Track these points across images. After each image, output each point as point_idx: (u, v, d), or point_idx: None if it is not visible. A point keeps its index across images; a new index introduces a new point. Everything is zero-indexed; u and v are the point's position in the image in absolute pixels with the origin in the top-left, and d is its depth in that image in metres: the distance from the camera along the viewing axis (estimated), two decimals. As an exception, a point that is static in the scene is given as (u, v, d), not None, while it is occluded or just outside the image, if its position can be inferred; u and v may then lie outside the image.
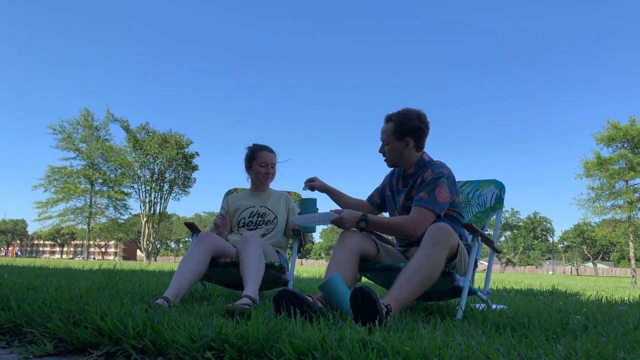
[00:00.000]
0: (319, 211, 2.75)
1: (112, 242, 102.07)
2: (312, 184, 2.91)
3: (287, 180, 3.58)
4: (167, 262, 41.09)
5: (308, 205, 2.79)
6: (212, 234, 2.68)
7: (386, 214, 2.89)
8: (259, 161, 3.20)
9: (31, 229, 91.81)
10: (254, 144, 3.30)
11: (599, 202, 20.95)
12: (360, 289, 1.76)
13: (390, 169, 2.84)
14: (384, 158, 2.67)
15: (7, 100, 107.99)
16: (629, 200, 20.03)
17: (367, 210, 2.84)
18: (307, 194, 2.97)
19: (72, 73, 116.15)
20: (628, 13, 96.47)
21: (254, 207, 3.22)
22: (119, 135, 46.39)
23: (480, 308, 2.68)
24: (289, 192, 3.61)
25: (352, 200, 2.94)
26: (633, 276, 20.48)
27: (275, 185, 3.40)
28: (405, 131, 2.56)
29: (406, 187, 2.64)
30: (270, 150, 3.25)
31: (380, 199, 2.87)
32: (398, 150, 2.59)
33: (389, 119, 2.63)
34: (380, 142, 2.67)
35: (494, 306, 2.92)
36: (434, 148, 2.72)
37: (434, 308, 2.78)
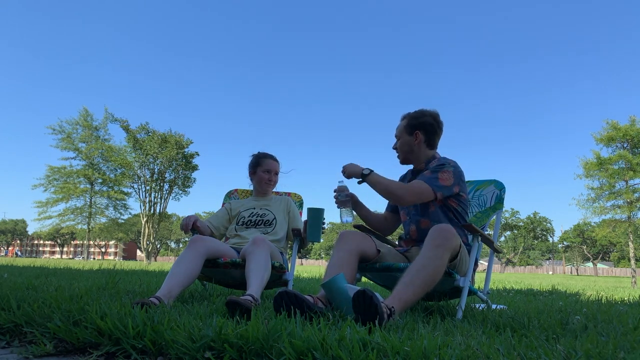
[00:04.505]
0: (325, 221, 2.82)
1: (112, 242, 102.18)
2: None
3: (288, 180, 3.60)
4: (167, 262, 41.09)
5: (316, 215, 2.77)
6: (205, 237, 2.68)
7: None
8: (262, 168, 3.29)
9: (31, 229, 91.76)
10: (259, 152, 3.37)
11: (598, 202, 20.94)
12: (362, 292, 1.76)
13: (403, 174, 2.90)
14: (397, 154, 2.76)
15: (7, 100, 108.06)
16: (628, 200, 20.03)
17: (391, 221, 2.86)
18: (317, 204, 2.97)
19: (72, 73, 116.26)
20: (628, 13, 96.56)
21: (254, 208, 3.27)
22: (119, 135, 46.20)
23: (480, 308, 2.68)
24: (289, 194, 3.63)
25: (372, 214, 2.85)
26: (633, 276, 20.48)
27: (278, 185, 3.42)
28: (416, 125, 2.66)
29: None
30: (275, 159, 3.34)
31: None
32: (408, 144, 2.68)
33: (403, 117, 2.74)
34: (395, 140, 2.76)
35: (494, 306, 2.92)
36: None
37: (434, 308, 2.78)
